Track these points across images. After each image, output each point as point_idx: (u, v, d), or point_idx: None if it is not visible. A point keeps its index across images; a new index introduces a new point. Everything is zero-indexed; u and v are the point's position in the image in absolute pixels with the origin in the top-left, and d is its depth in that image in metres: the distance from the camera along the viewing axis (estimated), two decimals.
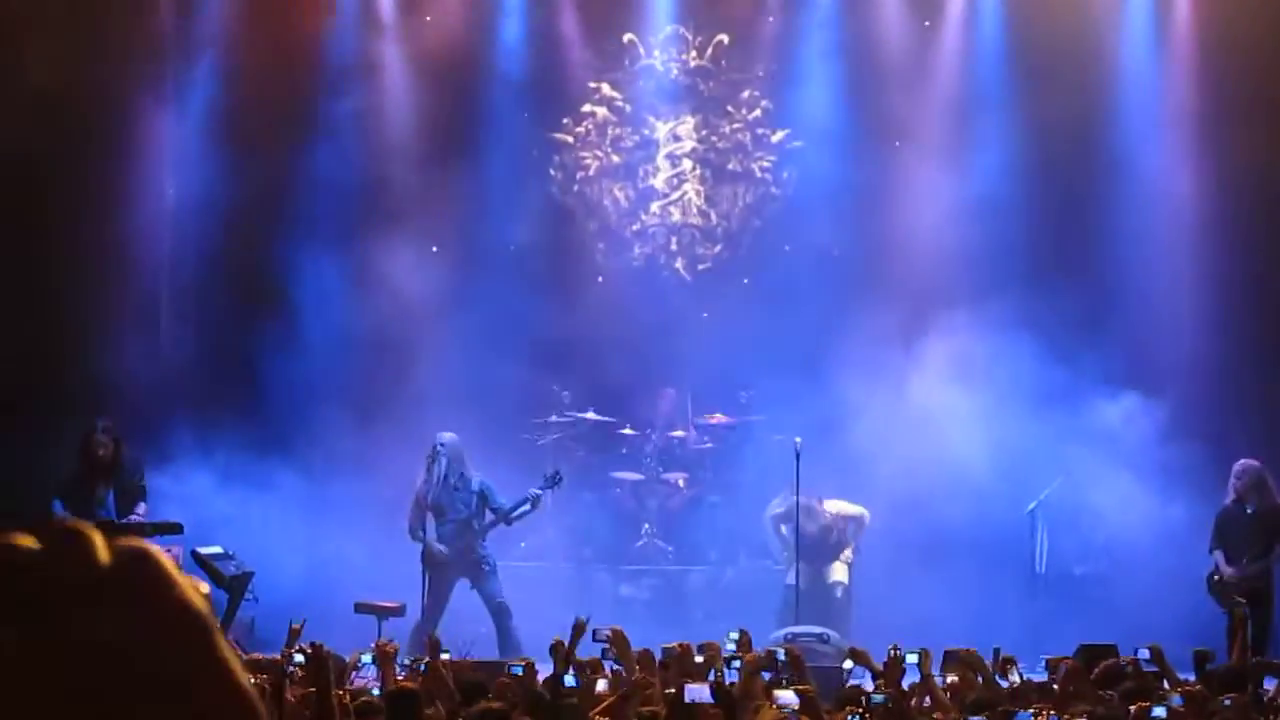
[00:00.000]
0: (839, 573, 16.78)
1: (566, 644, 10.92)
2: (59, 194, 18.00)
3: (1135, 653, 11.59)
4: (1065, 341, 17.78)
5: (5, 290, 17.63)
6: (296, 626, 12.11)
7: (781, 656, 10.47)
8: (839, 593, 16.69)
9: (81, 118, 17.91)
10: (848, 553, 16.88)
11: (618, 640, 11.19)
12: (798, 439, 16.59)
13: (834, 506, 17.02)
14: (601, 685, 10.41)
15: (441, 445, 16.04)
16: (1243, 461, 15.67)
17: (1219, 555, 15.52)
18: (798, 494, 16.67)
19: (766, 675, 9.73)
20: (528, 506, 16.00)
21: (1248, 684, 10.71)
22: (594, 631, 11.33)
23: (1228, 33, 18.61)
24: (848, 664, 10.99)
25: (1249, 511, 15.45)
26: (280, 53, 18.85)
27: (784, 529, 17.02)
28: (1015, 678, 11.27)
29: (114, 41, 18.11)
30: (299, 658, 10.63)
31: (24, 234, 17.69)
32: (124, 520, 15.67)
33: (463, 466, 16.01)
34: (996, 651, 12.30)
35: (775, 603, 16.77)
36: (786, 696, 8.91)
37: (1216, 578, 15.49)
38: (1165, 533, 16.77)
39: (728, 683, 9.43)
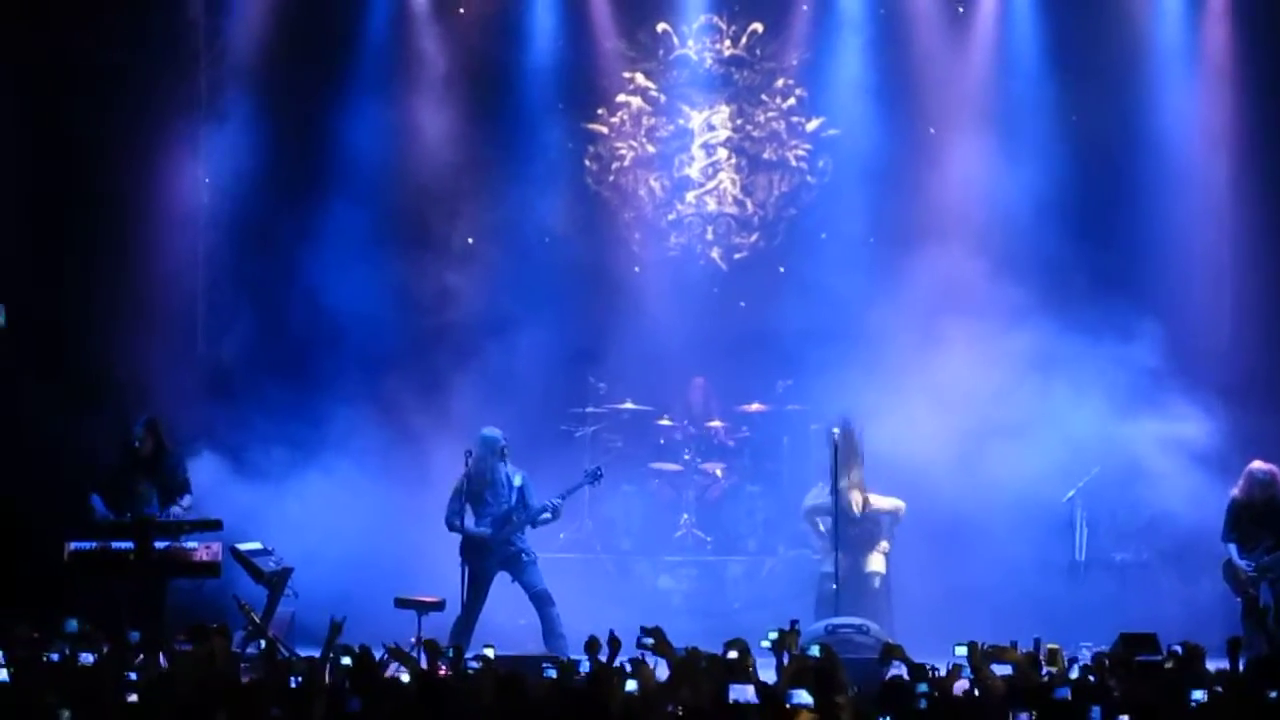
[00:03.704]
0: (876, 563, 16.77)
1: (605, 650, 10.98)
2: (105, 201, 18.18)
3: (1169, 648, 11.61)
4: (1104, 326, 17.70)
5: (54, 289, 17.89)
6: (338, 622, 12.04)
7: (815, 653, 10.50)
8: (876, 583, 16.69)
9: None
10: (885, 544, 16.87)
11: (659, 639, 11.19)
12: (835, 429, 16.57)
13: (871, 498, 16.97)
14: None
15: (483, 439, 16.04)
16: (1255, 464, 15.77)
17: (1232, 547, 15.67)
18: (834, 483, 16.63)
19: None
20: (548, 515, 15.98)
21: None
22: (637, 639, 11.30)
23: (1264, 16, 18.55)
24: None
25: (1261, 508, 15.57)
26: (312, 51, 18.86)
27: (819, 521, 16.99)
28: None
29: (149, 39, 18.24)
30: (345, 659, 10.71)
31: (79, 236, 18.01)
32: (164, 517, 15.65)
33: (503, 460, 15.99)
34: (1037, 641, 12.30)
35: (814, 593, 16.76)
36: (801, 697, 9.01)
37: (1231, 568, 15.63)
38: (1204, 516, 16.69)
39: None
